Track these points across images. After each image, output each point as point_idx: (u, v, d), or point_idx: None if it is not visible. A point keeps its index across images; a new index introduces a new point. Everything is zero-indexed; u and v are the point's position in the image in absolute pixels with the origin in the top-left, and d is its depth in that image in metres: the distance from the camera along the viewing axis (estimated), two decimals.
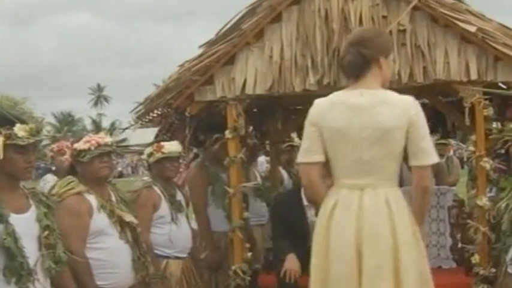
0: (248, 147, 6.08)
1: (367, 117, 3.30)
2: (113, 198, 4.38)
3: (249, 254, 5.54)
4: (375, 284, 3.18)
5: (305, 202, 5.59)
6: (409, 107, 3.31)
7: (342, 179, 3.39)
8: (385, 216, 3.26)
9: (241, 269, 5.39)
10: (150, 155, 5.17)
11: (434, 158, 3.34)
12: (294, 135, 8.43)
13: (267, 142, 7.61)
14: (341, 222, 3.30)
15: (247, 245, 5.57)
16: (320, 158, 3.43)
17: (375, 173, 3.32)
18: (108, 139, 4.35)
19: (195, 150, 7.04)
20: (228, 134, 5.38)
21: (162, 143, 5.16)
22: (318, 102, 3.46)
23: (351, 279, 3.23)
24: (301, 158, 3.51)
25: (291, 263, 5.19)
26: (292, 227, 5.54)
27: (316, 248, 3.43)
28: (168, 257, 5.05)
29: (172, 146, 5.17)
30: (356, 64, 3.38)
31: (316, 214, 3.64)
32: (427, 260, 3.45)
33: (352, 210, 3.29)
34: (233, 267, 5.42)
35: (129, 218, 4.32)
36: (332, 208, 3.36)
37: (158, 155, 5.11)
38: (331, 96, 3.48)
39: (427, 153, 3.30)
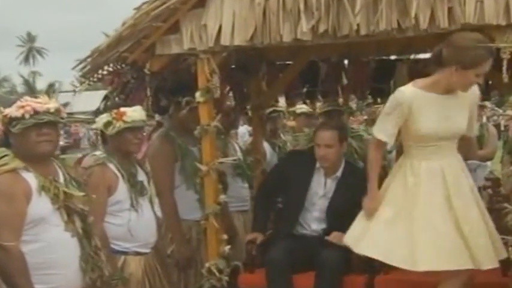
0: (225, 113, 6.08)
1: None
2: (60, 178, 4.29)
3: (227, 247, 5.59)
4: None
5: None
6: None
7: None
8: None
9: (217, 266, 5.46)
10: (108, 124, 5.08)
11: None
12: (281, 99, 8.39)
13: (249, 107, 7.59)
14: None
15: (225, 237, 5.63)
16: None
17: None
18: (51, 105, 4.19)
19: (157, 117, 7.00)
20: (199, 96, 5.40)
21: (123, 109, 5.08)
22: None
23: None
24: None
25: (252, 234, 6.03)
26: (290, 189, 6.00)
27: None
28: (126, 253, 5.07)
29: (135, 113, 5.11)
30: (435, 57, 4.64)
31: None
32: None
33: None
34: (207, 265, 5.49)
35: (80, 203, 4.28)
36: None
37: (119, 125, 5.04)
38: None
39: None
